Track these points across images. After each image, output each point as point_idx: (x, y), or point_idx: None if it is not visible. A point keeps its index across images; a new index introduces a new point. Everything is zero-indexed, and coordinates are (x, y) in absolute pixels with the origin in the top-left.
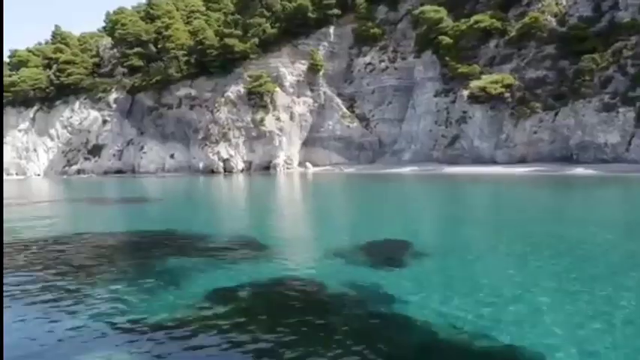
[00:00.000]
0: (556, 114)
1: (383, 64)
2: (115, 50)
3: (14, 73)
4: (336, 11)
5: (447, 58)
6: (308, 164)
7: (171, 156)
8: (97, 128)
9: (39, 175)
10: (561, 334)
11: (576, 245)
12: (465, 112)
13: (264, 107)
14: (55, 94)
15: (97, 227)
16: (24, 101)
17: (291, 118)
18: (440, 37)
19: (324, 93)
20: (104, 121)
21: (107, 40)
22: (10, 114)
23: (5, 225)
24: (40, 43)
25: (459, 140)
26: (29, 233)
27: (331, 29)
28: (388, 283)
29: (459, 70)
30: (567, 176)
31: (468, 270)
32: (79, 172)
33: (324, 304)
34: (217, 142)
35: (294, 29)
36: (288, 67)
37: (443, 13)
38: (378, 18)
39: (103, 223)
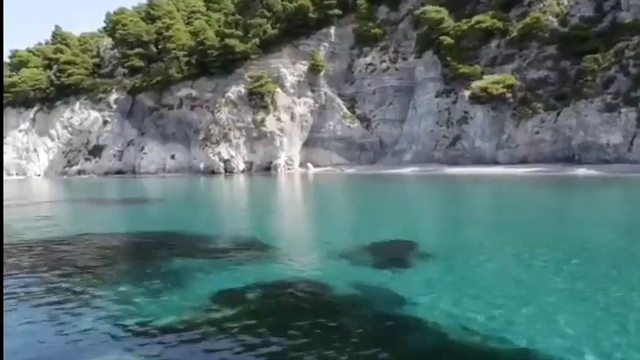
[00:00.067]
0: (558, 114)
1: (384, 65)
2: (116, 51)
3: (14, 73)
4: (336, 11)
5: (449, 59)
6: (309, 165)
7: (172, 157)
8: (97, 129)
9: (39, 175)
10: (575, 335)
11: (582, 246)
12: (466, 112)
13: (265, 108)
14: (55, 94)
15: (99, 228)
16: (24, 102)
17: (292, 118)
18: (441, 38)
19: (325, 93)
20: (105, 122)
21: (108, 41)
22: (10, 114)
23: (8, 226)
24: (40, 44)
25: (460, 141)
26: (32, 234)
27: (332, 29)
28: (396, 284)
29: (461, 71)
30: (569, 177)
31: (475, 271)
32: (79, 172)
33: (332, 306)
34: (218, 143)
35: (294, 30)
36: (289, 68)
37: (444, 13)
38: (378, 18)
39: (105, 224)
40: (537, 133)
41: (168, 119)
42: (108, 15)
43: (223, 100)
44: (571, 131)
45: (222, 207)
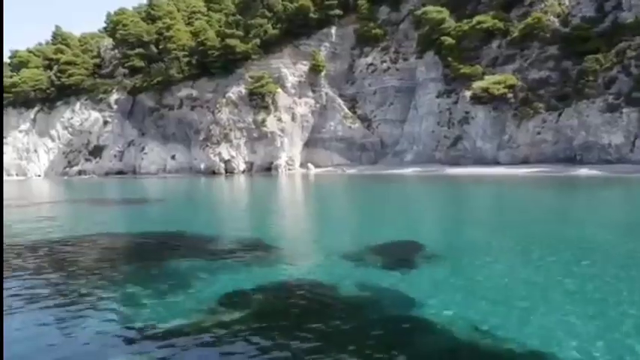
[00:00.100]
0: (559, 115)
1: (385, 65)
2: (116, 51)
3: (15, 73)
4: (337, 12)
5: (450, 59)
6: (310, 165)
7: (173, 157)
8: (97, 129)
9: (39, 176)
10: (588, 337)
11: (590, 247)
12: (467, 112)
13: (266, 108)
14: (55, 94)
15: (102, 229)
16: (25, 102)
17: (293, 118)
18: (442, 38)
19: (326, 94)
20: (105, 122)
21: (108, 41)
22: (10, 115)
23: (11, 226)
24: (40, 44)
25: (462, 141)
26: (36, 235)
27: (333, 30)
28: (405, 285)
29: (462, 71)
30: (571, 177)
31: (483, 272)
32: (79, 173)
33: (342, 308)
34: (218, 143)
35: (295, 30)
36: (290, 68)
37: (445, 13)
38: (379, 18)
39: (107, 225)
40: (539, 133)
41: (168, 119)
42: (108, 15)
43: (224, 100)
44: (572, 131)
45: (225, 208)
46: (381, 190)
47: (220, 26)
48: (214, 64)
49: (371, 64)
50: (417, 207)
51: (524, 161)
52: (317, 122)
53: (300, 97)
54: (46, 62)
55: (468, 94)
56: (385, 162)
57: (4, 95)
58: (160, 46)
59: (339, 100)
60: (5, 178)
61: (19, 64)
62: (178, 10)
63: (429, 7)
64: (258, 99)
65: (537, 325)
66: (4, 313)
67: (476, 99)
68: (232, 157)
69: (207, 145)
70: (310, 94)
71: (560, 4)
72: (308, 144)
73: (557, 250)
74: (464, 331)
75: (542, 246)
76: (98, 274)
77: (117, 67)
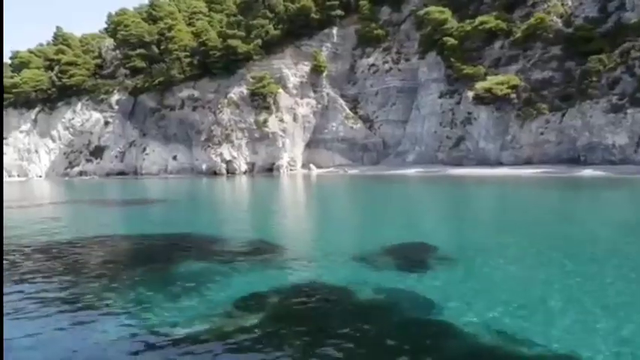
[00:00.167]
0: (563, 115)
1: (386, 65)
2: (118, 51)
3: (16, 74)
4: (339, 12)
5: (452, 59)
6: (311, 166)
7: (174, 157)
8: (99, 130)
9: (40, 176)
10: (616, 342)
11: (608, 248)
12: (470, 113)
13: (267, 108)
14: (56, 95)
15: (108, 230)
16: (26, 102)
17: (295, 119)
18: (444, 38)
19: (328, 94)
20: (106, 123)
21: (109, 42)
22: (11, 115)
23: (16, 228)
24: (41, 44)
25: (464, 142)
26: (42, 237)
27: (334, 30)
28: (422, 288)
29: (464, 72)
30: (576, 178)
31: (499, 274)
32: (80, 173)
33: (360, 311)
34: (220, 144)
35: (297, 30)
36: (291, 69)
37: (448, 14)
38: (381, 19)
39: (113, 226)
40: (542, 134)
41: (170, 120)
42: (109, 16)
43: (225, 100)
44: (576, 132)
45: (229, 208)
46: (385, 191)
47: (222, 27)
48: (216, 64)
49: (373, 65)
50: (422, 208)
51: (528, 162)
52: (319, 123)
53: (301, 98)
54: (47, 63)
55: (470, 94)
56: (387, 163)
57: (5, 96)
58: (162, 47)
59: (341, 101)
60: (6, 178)
61: (20, 64)
62: (179, 11)
63: (432, 8)
64: (260, 99)
65: (563, 329)
66: (18, 318)
67: (478, 99)
68: (234, 157)
69: (208, 146)
70: (312, 94)
71: (563, 4)
72: (310, 144)
73: (573, 252)
74: (488, 335)
75: (556, 247)
76: (110, 277)
77: (118, 68)
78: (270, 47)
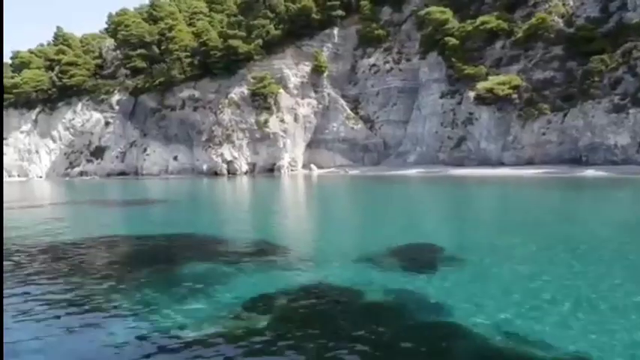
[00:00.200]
0: (564, 115)
1: (387, 66)
2: (118, 52)
3: (16, 74)
4: (340, 12)
5: (453, 60)
6: (312, 166)
7: (175, 158)
8: (99, 130)
9: (41, 177)
10: (633, 344)
11: (617, 248)
12: (471, 113)
13: (268, 109)
14: (57, 95)
15: (111, 231)
16: (26, 103)
17: (295, 119)
18: (446, 39)
19: (328, 94)
20: (107, 123)
21: (110, 42)
22: (12, 115)
23: (18, 229)
24: (42, 45)
25: (466, 142)
26: (46, 238)
27: (335, 30)
28: (431, 289)
29: (465, 72)
30: (578, 178)
31: (509, 275)
32: (81, 174)
33: (369, 313)
34: (221, 144)
35: (297, 30)
36: (292, 69)
37: (449, 14)
38: (382, 19)
39: (116, 227)
40: (544, 134)
41: (170, 120)
42: (110, 16)
43: (226, 101)
44: (578, 132)
45: (231, 209)
46: (387, 192)
47: (222, 27)
48: (216, 64)
49: (373, 65)
50: (425, 208)
51: (529, 162)
52: (319, 123)
53: (302, 98)
54: (48, 63)
55: (471, 94)
56: (388, 163)
57: (6, 96)
58: (162, 47)
59: (342, 101)
60: (6, 179)
61: (21, 64)
62: (180, 11)
63: (433, 8)
64: (261, 100)
65: (576, 330)
66: (24, 320)
67: (480, 99)
68: (235, 158)
69: (209, 146)
70: (313, 94)
71: (564, 4)
72: (310, 145)
73: (580, 252)
74: (500, 337)
75: (562, 248)
76: (116, 278)
77: (119, 68)
78: (271, 47)
